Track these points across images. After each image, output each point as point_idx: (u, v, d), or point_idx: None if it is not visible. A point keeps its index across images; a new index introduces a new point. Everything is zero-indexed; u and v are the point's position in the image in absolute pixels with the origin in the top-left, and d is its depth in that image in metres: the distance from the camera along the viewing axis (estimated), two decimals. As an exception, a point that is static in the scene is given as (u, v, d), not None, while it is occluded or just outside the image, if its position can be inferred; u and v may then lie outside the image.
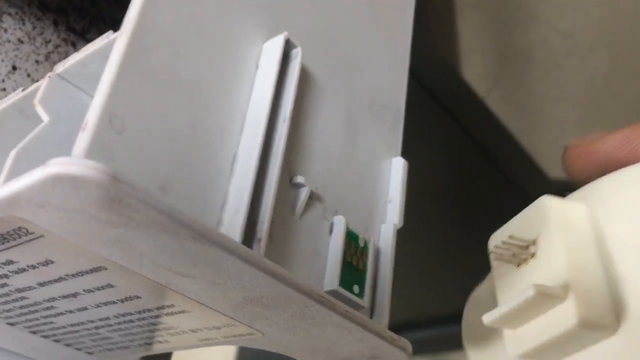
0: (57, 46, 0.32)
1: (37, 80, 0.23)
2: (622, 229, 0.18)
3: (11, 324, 0.24)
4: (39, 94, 0.18)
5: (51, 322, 0.23)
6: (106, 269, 0.18)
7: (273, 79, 0.19)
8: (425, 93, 0.63)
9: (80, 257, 0.18)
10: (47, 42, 0.31)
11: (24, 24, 0.30)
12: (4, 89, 0.30)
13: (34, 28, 0.31)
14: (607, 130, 0.21)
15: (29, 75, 0.32)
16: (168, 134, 0.17)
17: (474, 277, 0.24)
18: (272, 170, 0.19)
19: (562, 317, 0.17)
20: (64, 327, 0.23)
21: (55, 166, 0.14)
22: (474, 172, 0.65)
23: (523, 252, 0.19)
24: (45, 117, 0.18)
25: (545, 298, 0.17)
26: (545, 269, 0.18)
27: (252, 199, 0.18)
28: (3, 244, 0.17)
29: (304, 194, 0.20)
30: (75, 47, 0.34)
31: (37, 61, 0.31)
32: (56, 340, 0.25)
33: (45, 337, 0.25)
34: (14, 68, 0.30)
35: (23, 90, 0.21)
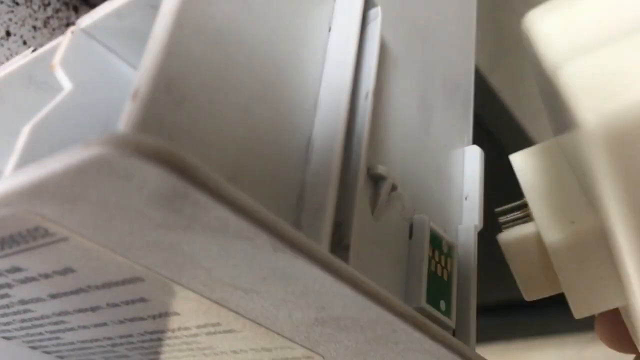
0: (57, 10, 0.28)
1: (35, 49, 0.19)
2: None
3: (7, 338, 0.20)
4: (60, 54, 0.14)
5: (58, 338, 0.19)
6: (143, 280, 0.14)
7: (354, 45, 0.15)
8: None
9: (111, 266, 0.14)
10: (46, 5, 0.27)
11: (18, -17, 0.26)
12: (-4, 57, 0.26)
13: (30, -12, 0.26)
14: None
15: (24, 42, 0.27)
16: (234, 109, 0.13)
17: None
18: (354, 158, 0.15)
19: None
20: (72, 343, 0.19)
21: (102, 145, 0.10)
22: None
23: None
24: (67, 84, 0.14)
25: None
26: None
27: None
28: (10, 247, 0.13)
29: (384, 188, 0.16)
30: (78, 13, 0.29)
31: (34, 27, 0.27)
32: (60, 357, 0.21)
33: (47, 352, 0.21)
34: (8, 34, 0.26)
35: (33, 50, 0.16)
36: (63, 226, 0.12)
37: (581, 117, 0.12)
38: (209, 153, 0.12)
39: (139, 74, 0.11)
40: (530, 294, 0.19)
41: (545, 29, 0.14)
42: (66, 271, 0.14)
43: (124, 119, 0.11)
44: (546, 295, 0.18)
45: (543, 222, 0.16)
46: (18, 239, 0.13)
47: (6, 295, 0.16)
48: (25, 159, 0.13)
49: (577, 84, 0.12)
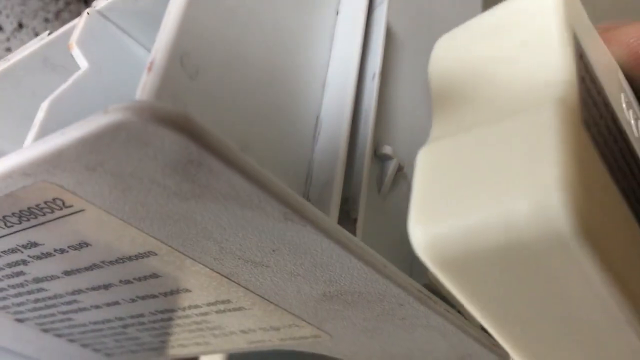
0: (68, 3, 0.29)
1: (50, 32, 0.19)
2: None
3: (20, 321, 0.20)
4: (77, 34, 0.14)
5: (70, 319, 0.19)
6: (156, 254, 0.15)
7: (361, 27, 0.16)
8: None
9: (125, 240, 0.14)
10: (57, -2, 0.27)
11: (30, -23, 0.26)
12: (9, 49, 0.26)
13: (42, -18, 0.27)
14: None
15: (36, 34, 0.28)
16: (245, 84, 0.13)
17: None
18: (362, 136, 0.15)
19: None
20: (84, 324, 0.20)
21: (121, 112, 0.10)
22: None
23: None
24: (83, 63, 0.14)
25: None
26: None
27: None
28: (28, 220, 0.14)
29: (390, 167, 0.16)
30: (88, 5, 0.30)
31: (46, 19, 0.28)
32: (71, 340, 0.21)
33: (58, 336, 0.21)
34: (20, 26, 0.27)
35: (49, 34, 0.17)
36: (80, 197, 0.13)
37: (411, 232, 0.11)
38: (220, 126, 0.13)
39: (155, 46, 0.12)
40: (474, 320, 0.17)
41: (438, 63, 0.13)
42: (81, 245, 0.15)
43: (139, 89, 0.11)
44: None
45: None
46: (36, 212, 0.13)
47: (21, 273, 0.17)
48: (43, 134, 0.13)
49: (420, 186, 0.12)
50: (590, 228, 0.09)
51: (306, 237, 0.13)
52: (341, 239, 0.13)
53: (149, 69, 0.11)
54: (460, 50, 0.14)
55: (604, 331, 0.12)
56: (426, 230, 0.11)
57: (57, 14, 0.28)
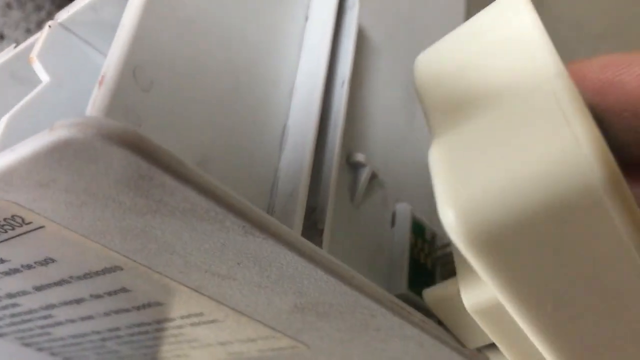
0: (50, 13, 0.28)
1: (16, 45, 0.19)
2: None
3: (0, 335, 0.20)
4: (38, 47, 0.14)
5: (48, 333, 0.19)
6: (122, 269, 0.14)
7: (329, 33, 0.15)
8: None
9: (89, 255, 0.14)
10: (40, 8, 0.27)
11: (12, -13, 0.26)
12: (-10, 60, 0.26)
13: (24, -8, 0.27)
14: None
15: (18, 45, 0.28)
16: (206, 95, 0.13)
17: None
18: (330, 144, 0.15)
19: None
20: (63, 338, 0.20)
21: (67, 129, 0.10)
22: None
23: None
24: (44, 77, 0.14)
25: None
26: None
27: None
28: (-9, 237, 0.14)
29: (364, 175, 0.16)
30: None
31: (28, 30, 0.27)
32: (53, 354, 0.21)
33: (40, 349, 0.21)
34: (2, 37, 0.27)
35: (15, 47, 0.17)
36: (38, 214, 0.12)
37: (442, 216, 0.11)
38: (178, 138, 0.12)
39: (106, 60, 0.12)
40: (469, 344, 0.17)
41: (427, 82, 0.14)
42: (47, 261, 0.14)
43: (90, 105, 0.11)
44: (488, 342, 0.16)
45: (464, 280, 0.14)
46: (-3, 229, 0.13)
47: (-7, 289, 0.16)
48: (2, 150, 0.13)
49: (438, 170, 0.12)
50: (617, 180, 0.10)
51: (269, 250, 0.13)
52: (305, 251, 0.13)
53: (100, 83, 0.11)
54: (445, 59, 0.14)
55: (636, 296, 0.12)
56: (457, 208, 0.11)
57: (39, 24, 0.28)
